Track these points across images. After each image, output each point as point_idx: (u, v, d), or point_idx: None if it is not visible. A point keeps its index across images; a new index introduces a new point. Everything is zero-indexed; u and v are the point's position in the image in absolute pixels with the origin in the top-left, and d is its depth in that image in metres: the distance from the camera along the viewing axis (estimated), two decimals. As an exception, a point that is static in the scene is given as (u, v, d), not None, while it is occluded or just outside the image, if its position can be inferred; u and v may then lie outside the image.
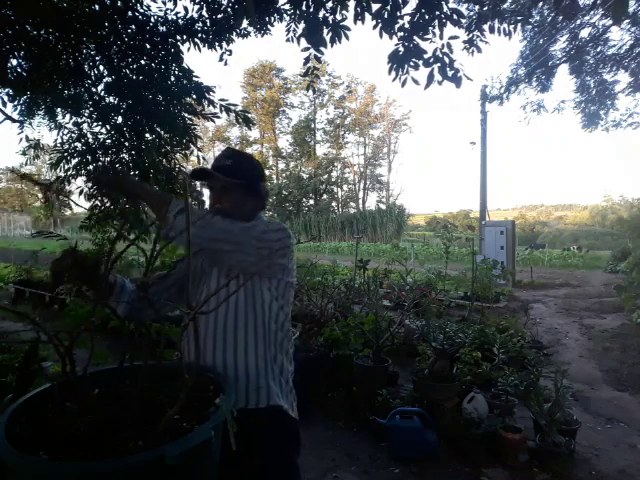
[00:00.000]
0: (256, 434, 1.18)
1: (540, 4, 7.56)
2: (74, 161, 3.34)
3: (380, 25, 2.69)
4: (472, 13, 3.68)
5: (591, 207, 48.05)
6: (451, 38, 2.68)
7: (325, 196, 42.04)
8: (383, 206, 38.12)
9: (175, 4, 3.41)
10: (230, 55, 3.74)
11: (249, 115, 3.72)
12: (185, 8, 3.37)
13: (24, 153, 3.84)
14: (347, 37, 2.91)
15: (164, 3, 3.39)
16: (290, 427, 1.27)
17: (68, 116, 3.45)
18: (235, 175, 1.28)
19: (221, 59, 3.73)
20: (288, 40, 3.31)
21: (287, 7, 3.26)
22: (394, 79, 2.81)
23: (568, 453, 2.68)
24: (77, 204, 2.64)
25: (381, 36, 2.73)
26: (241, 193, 1.30)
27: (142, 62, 3.33)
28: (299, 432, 1.30)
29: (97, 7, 3.06)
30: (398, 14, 2.66)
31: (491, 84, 11.22)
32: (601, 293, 9.94)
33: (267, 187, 1.42)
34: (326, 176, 41.18)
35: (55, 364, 2.45)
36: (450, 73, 2.67)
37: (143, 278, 1.13)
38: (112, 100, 3.41)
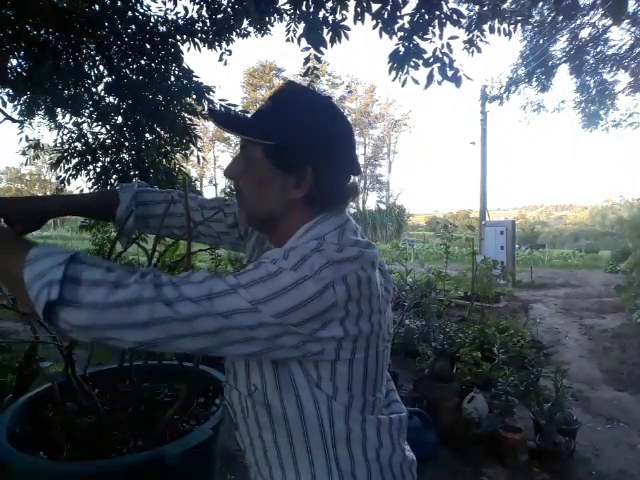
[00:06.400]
0: None
1: (540, 4, 7.56)
2: (74, 161, 3.35)
3: (380, 25, 2.70)
4: (472, 13, 3.68)
5: (591, 207, 48.04)
6: (451, 38, 2.68)
7: (325, 196, 42.03)
8: (383, 206, 38.14)
9: (175, 4, 3.42)
10: (230, 55, 3.75)
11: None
12: (185, 8, 3.38)
13: (24, 153, 3.85)
14: (347, 37, 2.92)
15: (164, 3, 3.40)
16: None
17: (68, 116, 3.46)
18: (269, 129, 0.63)
19: (221, 59, 3.74)
20: (288, 40, 3.31)
21: (287, 7, 3.26)
22: (394, 79, 2.82)
23: (568, 453, 2.68)
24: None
25: (381, 36, 2.74)
26: (270, 169, 0.65)
27: (142, 62, 3.34)
28: None
29: (97, 7, 3.06)
30: (398, 14, 2.67)
31: (491, 84, 11.22)
32: (601, 293, 9.93)
33: (356, 178, 0.67)
34: (326, 176, 41.18)
35: (54, 364, 2.45)
36: (450, 73, 2.68)
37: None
38: (112, 100, 3.42)
